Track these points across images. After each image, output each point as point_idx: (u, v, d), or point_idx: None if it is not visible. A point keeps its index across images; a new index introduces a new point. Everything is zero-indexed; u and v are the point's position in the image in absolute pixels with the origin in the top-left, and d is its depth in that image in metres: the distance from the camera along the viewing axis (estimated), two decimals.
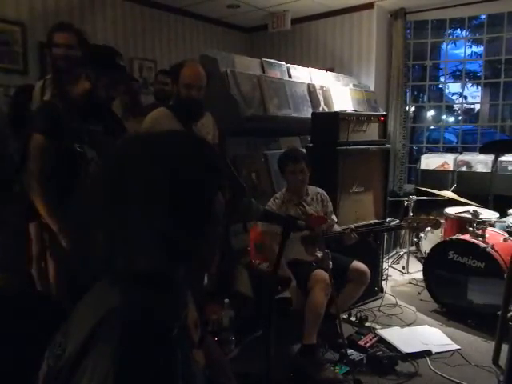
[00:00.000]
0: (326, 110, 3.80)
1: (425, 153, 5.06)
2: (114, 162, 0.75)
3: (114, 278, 0.69)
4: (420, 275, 3.35)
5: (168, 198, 0.68)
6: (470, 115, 9.03)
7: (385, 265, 3.52)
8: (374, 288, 3.23)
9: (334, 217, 2.70)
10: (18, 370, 1.02)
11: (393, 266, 4.05)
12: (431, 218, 2.45)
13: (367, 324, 2.81)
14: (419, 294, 3.36)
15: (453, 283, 2.89)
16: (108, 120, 1.92)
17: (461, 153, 4.66)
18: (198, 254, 0.75)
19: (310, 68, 4.13)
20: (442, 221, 3.67)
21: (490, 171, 4.14)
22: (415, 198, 3.89)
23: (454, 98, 9.98)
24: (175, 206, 0.69)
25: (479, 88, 6.09)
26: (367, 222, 3.18)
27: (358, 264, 2.54)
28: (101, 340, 0.62)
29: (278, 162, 2.63)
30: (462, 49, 5.75)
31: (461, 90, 5.75)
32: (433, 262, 3.05)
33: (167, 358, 0.63)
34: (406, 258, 3.98)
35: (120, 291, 0.67)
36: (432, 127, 7.64)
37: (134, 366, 0.60)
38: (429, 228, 2.72)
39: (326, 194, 2.70)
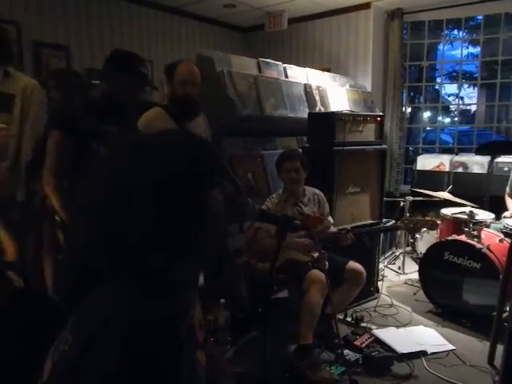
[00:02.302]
0: (323, 110, 3.80)
1: (421, 154, 5.07)
2: (110, 162, 0.76)
3: (122, 276, 0.69)
4: (416, 276, 3.36)
5: (159, 196, 0.68)
6: (466, 116, 9.08)
7: (381, 265, 3.52)
8: (369, 288, 3.24)
9: (330, 218, 2.69)
10: (15, 368, 1.02)
11: (388, 266, 4.06)
12: (428, 218, 2.46)
13: (363, 324, 2.82)
14: (415, 294, 3.37)
15: (448, 284, 2.90)
16: (125, 122, 1.94)
17: (457, 154, 4.67)
18: (198, 251, 0.75)
19: (306, 68, 4.13)
20: (438, 221, 3.68)
21: (485, 172, 4.16)
22: (411, 198, 3.90)
23: (451, 99, 10.02)
24: (166, 204, 0.69)
25: (475, 89, 6.11)
26: (363, 223, 3.18)
27: (353, 264, 2.54)
28: (108, 339, 0.62)
29: (275, 162, 2.64)
30: (458, 50, 5.78)
31: (457, 91, 5.75)
32: (428, 263, 3.05)
33: (174, 359, 0.63)
34: (401, 258, 3.99)
35: (129, 290, 0.67)
36: (428, 128, 7.67)
37: (141, 366, 0.60)
38: (425, 229, 2.72)
39: (323, 196, 2.70)
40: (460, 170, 4.41)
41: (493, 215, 3.42)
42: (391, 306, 3.18)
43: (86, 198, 0.74)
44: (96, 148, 1.80)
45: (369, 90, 4.82)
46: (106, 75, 1.90)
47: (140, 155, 0.72)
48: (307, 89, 3.76)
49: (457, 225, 3.37)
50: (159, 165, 0.70)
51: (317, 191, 2.69)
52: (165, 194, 0.69)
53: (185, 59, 2.30)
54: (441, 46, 5.62)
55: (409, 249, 4.23)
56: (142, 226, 0.68)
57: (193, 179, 0.72)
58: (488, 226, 3.24)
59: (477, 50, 6.90)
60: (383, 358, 2.34)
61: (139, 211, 0.68)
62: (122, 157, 0.74)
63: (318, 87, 3.89)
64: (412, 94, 7.50)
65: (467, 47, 7.60)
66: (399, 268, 3.96)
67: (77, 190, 1.71)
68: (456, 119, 6.67)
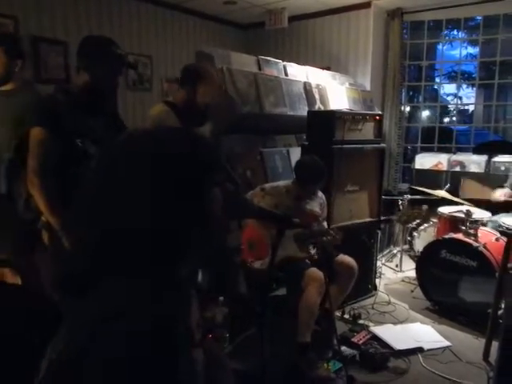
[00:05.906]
0: (322, 108, 3.81)
1: (419, 152, 5.09)
2: (108, 159, 0.75)
3: (119, 275, 0.69)
4: (413, 273, 3.38)
5: (158, 192, 0.69)
6: (464, 116, 9.10)
7: (378, 263, 3.55)
8: (367, 286, 3.26)
9: (325, 223, 2.70)
10: (12, 366, 1.02)
11: (386, 264, 4.08)
12: (420, 211, 2.46)
13: (360, 321, 2.84)
14: (412, 291, 3.39)
15: (445, 281, 2.92)
16: (109, 114, 1.90)
17: (455, 153, 4.69)
18: (197, 250, 0.76)
19: (306, 66, 4.13)
20: (435, 220, 3.71)
21: (483, 171, 4.18)
22: (409, 197, 3.92)
23: (449, 98, 10.05)
24: (168, 202, 0.69)
25: (474, 89, 6.13)
26: (362, 221, 3.21)
27: (343, 257, 2.55)
28: (110, 338, 0.62)
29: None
30: (457, 50, 5.79)
31: (456, 91, 5.77)
32: (426, 261, 3.08)
33: (172, 357, 0.63)
34: (399, 256, 4.01)
35: (131, 288, 0.67)
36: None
37: (139, 365, 0.60)
38: (423, 225, 2.72)
39: (324, 199, 2.72)
40: (458, 168, 4.44)
41: (489, 214, 3.44)
42: (388, 303, 3.21)
43: (87, 193, 0.74)
44: (82, 144, 1.73)
45: (368, 88, 4.83)
46: (85, 65, 1.79)
47: (139, 150, 0.72)
48: (307, 87, 3.77)
49: (454, 223, 3.40)
50: (158, 160, 0.70)
51: (320, 193, 2.69)
52: (165, 190, 0.69)
53: (203, 66, 2.29)
54: (440, 46, 5.64)
55: (406, 247, 4.26)
56: (145, 223, 0.68)
57: (193, 176, 0.72)
58: (485, 225, 3.27)
59: (476, 50, 6.90)
60: (380, 355, 2.37)
61: (144, 207, 0.68)
62: (121, 151, 0.74)
63: (318, 85, 3.90)
64: (411, 93, 7.50)
65: (466, 47, 7.62)
66: (397, 266, 3.99)
67: (74, 187, 1.68)
68: (454, 119, 6.69)
